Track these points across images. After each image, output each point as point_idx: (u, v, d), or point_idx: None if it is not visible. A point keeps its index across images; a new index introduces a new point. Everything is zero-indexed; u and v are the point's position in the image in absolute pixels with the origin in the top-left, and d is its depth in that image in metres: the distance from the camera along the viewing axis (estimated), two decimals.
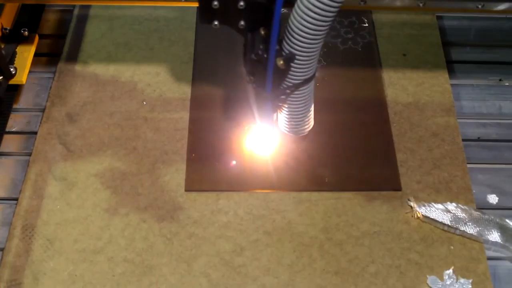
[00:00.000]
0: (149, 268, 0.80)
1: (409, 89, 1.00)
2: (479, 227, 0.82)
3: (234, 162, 0.90)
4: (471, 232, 0.82)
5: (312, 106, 0.82)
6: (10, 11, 0.99)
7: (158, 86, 0.99)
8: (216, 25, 0.73)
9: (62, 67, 1.01)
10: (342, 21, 1.09)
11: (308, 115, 0.83)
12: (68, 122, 0.94)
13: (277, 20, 0.66)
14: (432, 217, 0.84)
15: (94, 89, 0.98)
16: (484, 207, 0.87)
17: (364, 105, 0.98)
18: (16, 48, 0.98)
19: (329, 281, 0.79)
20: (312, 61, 0.72)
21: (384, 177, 0.89)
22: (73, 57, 1.03)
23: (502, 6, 0.79)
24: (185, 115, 0.95)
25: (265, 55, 0.71)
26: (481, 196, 0.88)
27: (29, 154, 0.90)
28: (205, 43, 1.05)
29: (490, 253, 0.82)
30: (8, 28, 0.97)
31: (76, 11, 1.10)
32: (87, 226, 0.83)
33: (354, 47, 1.05)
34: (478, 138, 0.95)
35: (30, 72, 0.98)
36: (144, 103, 0.97)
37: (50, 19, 1.10)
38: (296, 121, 0.83)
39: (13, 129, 0.94)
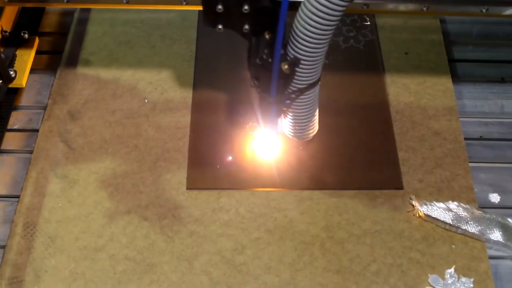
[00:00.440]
0: (150, 266, 0.80)
1: (411, 87, 0.99)
2: (481, 226, 0.82)
3: (235, 161, 0.90)
4: (472, 231, 0.82)
5: (317, 110, 0.82)
6: (10, 13, 0.98)
7: (159, 84, 0.99)
8: (220, 29, 0.72)
9: (63, 65, 1.01)
10: (344, 19, 1.09)
11: (313, 119, 0.83)
12: (70, 120, 0.94)
13: (282, 24, 0.65)
14: (433, 216, 0.84)
15: (96, 87, 0.98)
16: (486, 206, 0.87)
17: (365, 103, 0.97)
18: (16, 51, 0.97)
19: (330, 280, 0.79)
20: (317, 65, 0.72)
21: (386, 176, 0.89)
22: (75, 55, 1.03)
23: (509, 11, 0.79)
24: (187, 113, 0.95)
25: (270, 60, 0.70)
26: (483, 195, 0.88)
27: (31, 152, 0.91)
28: (207, 41, 1.05)
29: (492, 252, 0.82)
30: (8, 30, 0.96)
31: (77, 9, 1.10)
32: (89, 224, 0.83)
33: (356, 46, 1.05)
34: (480, 137, 0.95)
35: (31, 69, 0.98)
36: (146, 101, 0.97)
37: (52, 17, 1.10)
38: (300, 125, 0.82)
39: (15, 127, 0.95)
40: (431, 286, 0.78)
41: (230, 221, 0.84)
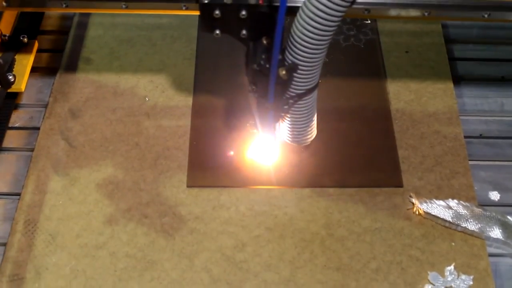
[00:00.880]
0: (151, 263, 0.80)
1: (411, 86, 1.00)
2: (480, 224, 0.82)
3: (235, 159, 0.90)
4: (472, 229, 0.82)
5: (315, 115, 0.82)
6: (10, 17, 0.98)
7: (160, 82, 0.99)
8: (217, 34, 0.72)
9: (64, 63, 1.02)
10: (345, 18, 1.08)
11: (311, 125, 0.82)
12: (71, 117, 0.94)
13: (279, 29, 0.65)
14: (433, 214, 0.84)
15: (97, 85, 0.99)
16: (485, 204, 0.87)
17: (366, 101, 0.98)
18: (15, 55, 0.97)
19: (330, 277, 0.79)
20: (315, 71, 0.71)
21: (386, 174, 0.89)
22: (76, 54, 1.03)
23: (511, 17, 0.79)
24: (188, 112, 0.95)
25: (267, 65, 0.70)
26: (483, 193, 0.88)
27: (32, 150, 0.91)
28: (208, 40, 1.05)
29: (492, 250, 0.82)
30: (7, 34, 0.96)
31: None
32: (89, 221, 0.83)
33: (356, 44, 1.05)
34: (480, 135, 0.95)
35: (32, 68, 0.98)
36: (147, 99, 0.97)
37: (53, 16, 1.10)
38: (298, 131, 0.82)
39: (16, 125, 0.95)
40: (431, 283, 0.79)
41: (230, 218, 0.84)
